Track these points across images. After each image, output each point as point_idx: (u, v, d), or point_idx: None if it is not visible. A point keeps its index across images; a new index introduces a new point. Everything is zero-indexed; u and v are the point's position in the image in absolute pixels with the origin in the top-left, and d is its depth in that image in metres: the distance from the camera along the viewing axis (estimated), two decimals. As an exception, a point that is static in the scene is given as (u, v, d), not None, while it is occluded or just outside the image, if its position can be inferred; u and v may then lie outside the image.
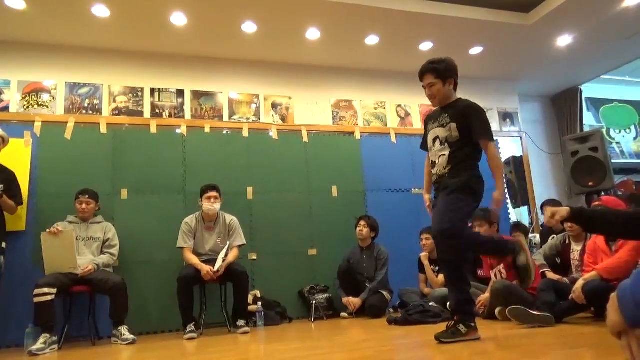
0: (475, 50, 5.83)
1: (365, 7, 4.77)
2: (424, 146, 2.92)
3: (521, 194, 6.27)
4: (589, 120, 7.75)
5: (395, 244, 4.70)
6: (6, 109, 4.65)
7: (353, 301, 4.33)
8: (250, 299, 4.00)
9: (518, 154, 6.69)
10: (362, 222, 4.59)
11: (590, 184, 5.09)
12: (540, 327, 2.89)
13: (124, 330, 3.57)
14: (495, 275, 3.73)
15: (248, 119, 5.48)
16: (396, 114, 6.15)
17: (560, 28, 5.49)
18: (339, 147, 5.29)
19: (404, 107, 6.21)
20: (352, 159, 5.26)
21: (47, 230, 3.58)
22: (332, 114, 5.88)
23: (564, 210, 1.95)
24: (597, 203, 2.97)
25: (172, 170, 4.57)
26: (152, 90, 5.20)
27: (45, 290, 3.32)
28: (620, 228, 1.87)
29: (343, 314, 4.39)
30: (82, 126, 4.54)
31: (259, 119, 5.54)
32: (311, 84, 5.89)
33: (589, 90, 7.60)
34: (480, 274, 3.97)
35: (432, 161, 2.78)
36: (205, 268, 3.75)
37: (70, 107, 4.86)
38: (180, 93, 5.30)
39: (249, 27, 4.97)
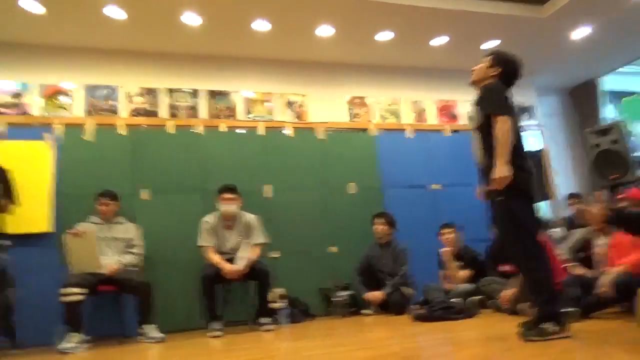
0: (491, 44, 5.77)
1: (378, 2, 4.74)
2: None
3: (541, 189, 6.21)
4: (610, 113, 7.64)
5: (416, 240, 4.68)
6: (26, 112, 4.70)
7: (375, 294, 4.30)
8: (273, 296, 4.01)
9: (537, 147, 6.62)
10: (377, 220, 4.59)
11: (613, 177, 5.02)
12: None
13: (151, 328, 3.62)
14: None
15: (263, 117, 5.49)
16: (411, 110, 6.12)
17: (576, 20, 5.42)
18: (354, 144, 5.29)
19: (418, 103, 6.18)
20: (368, 156, 5.25)
21: (68, 231, 3.62)
22: (349, 110, 5.87)
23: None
24: (621, 196, 2.94)
25: (191, 170, 4.60)
26: (169, 91, 5.23)
27: (74, 290, 3.38)
28: None
29: (365, 311, 4.39)
30: (101, 127, 4.58)
31: (274, 117, 5.54)
32: (325, 81, 5.88)
33: (610, 82, 7.48)
34: (501, 269, 3.94)
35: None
36: (227, 267, 3.77)
37: (90, 109, 4.91)
38: (195, 93, 5.33)
39: (262, 25, 4.97)
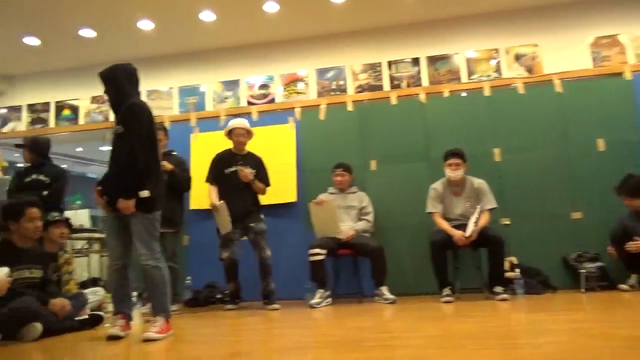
0: None
1: None
2: None
3: None
4: None
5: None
6: (272, 100, 5.47)
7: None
8: (506, 265, 3.78)
9: None
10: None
11: None
12: None
13: (385, 290, 3.86)
14: None
15: (489, 76, 5.13)
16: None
17: None
18: (603, 93, 4.49)
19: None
20: (623, 104, 4.40)
21: (313, 201, 4.12)
22: (592, 54, 5.00)
23: None
24: None
25: (415, 139, 4.66)
26: (389, 63, 5.34)
27: (317, 250, 3.88)
28: None
29: (622, 286, 3.76)
30: (332, 106, 5.02)
31: (501, 74, 5.12)
32: (560, 25, 5.11)
33: None
34: None
35: None
36: (457, 233, 3.71)
37: (322, 90, 5.42)
38: (415, 61, 5.31)
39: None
